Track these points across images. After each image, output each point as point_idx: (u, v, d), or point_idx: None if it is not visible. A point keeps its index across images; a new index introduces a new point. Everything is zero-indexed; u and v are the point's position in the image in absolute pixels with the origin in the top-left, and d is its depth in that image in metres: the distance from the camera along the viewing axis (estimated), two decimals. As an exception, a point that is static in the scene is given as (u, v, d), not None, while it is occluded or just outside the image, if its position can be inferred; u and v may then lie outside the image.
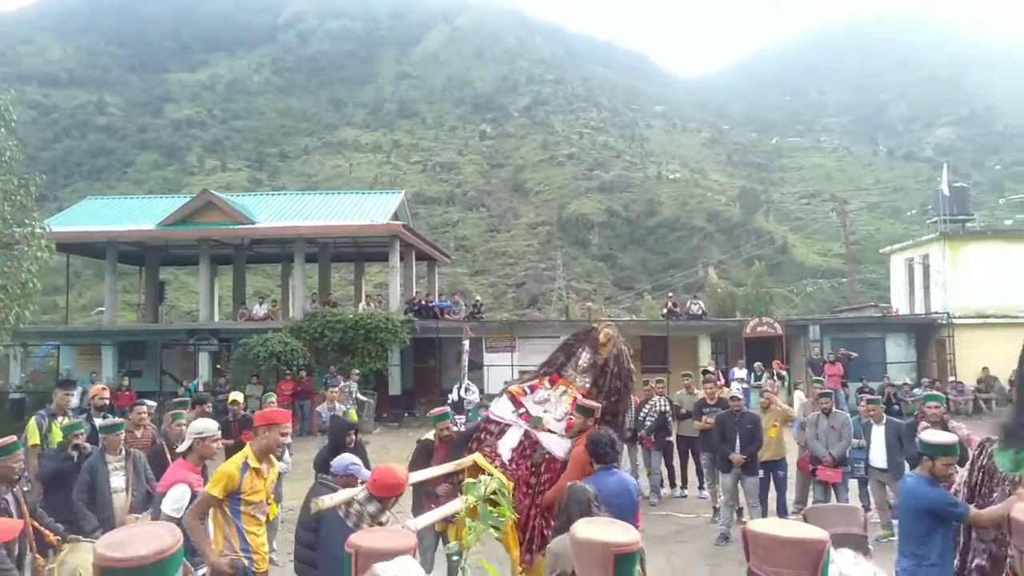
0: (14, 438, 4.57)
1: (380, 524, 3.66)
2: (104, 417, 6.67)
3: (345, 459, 4.47)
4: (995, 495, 3.66)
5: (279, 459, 4.53)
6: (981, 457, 3.83)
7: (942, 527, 3.69)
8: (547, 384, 5.35)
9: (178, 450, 4.69)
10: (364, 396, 17.22)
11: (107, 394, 7.50)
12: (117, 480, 5.31)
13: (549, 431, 5.09)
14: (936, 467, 3.76)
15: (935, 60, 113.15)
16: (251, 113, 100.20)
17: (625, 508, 3.70)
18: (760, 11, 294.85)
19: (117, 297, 25.28)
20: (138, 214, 23.20)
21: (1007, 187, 71.84)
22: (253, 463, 3.91)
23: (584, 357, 5.36)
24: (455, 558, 3.97)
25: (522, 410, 5.21)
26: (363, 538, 2.03)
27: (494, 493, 4.02)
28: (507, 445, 5.07)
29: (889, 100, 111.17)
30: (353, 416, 9.67)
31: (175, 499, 4.13)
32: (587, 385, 5.30)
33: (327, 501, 4.19)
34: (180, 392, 17.08)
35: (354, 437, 5.47)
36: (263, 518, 3.99)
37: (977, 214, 26.96)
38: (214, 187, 30.91)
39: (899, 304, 24.30)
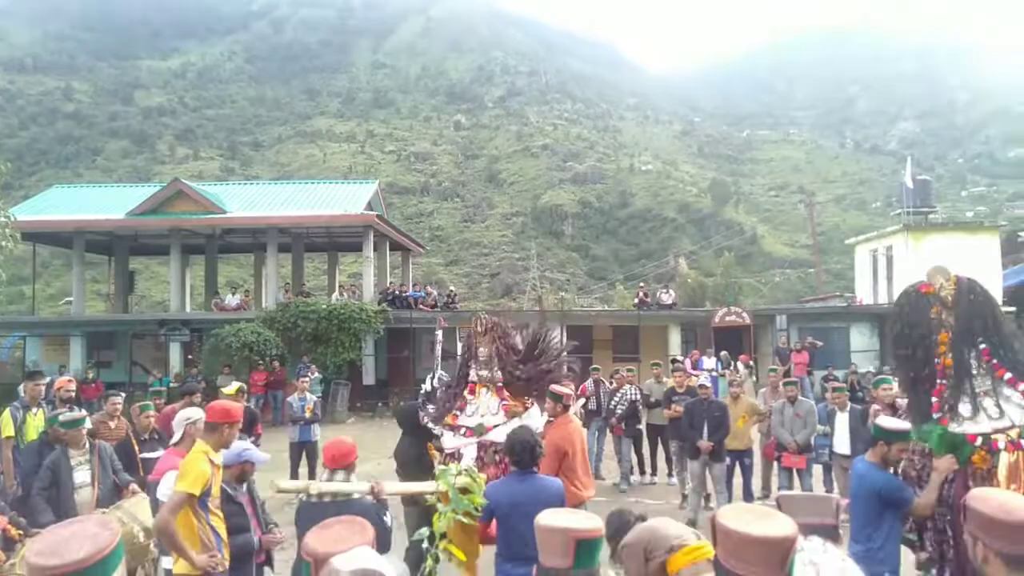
0: None
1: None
2: (70, 410, 6.41)
3: (236, 447, 4.33)
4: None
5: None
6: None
7: (890, 512, 3.72)
8: (468, 397, 5.63)
9: (172, 442, 4.61)
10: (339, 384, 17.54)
11: (73, 386, 7.35)
12: (82, 475, 5.14)
13: (495, 427, 5.34)
14: (891, 452, 3.79)
15: (901, 55, 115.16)
16: (223, 101, 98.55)
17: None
18: (732, 7, 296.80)
19: (85, 287, 24.87)
20: (107, 203, 22.80)
21: (969, 180, 73.76)
22: (215, 459, 3.82)
23: (481, 353, 5.69)
24: (424, 545, 4.01)
25: (462, 430, 5.47)
26: (319, 541, 1.90)
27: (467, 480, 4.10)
28: (468, 460, 5.24)
29: (856, 94, 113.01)
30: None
31: (170, 486, 4.03)
32: (498, 372, 5.62)
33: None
34: (150, 382, 16.91)
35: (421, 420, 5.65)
36: (220, 513, 3.89)
37: (940, 206, 27.65)
38: (185, 176, 30.43)
39: (863, 294, 24.81)
